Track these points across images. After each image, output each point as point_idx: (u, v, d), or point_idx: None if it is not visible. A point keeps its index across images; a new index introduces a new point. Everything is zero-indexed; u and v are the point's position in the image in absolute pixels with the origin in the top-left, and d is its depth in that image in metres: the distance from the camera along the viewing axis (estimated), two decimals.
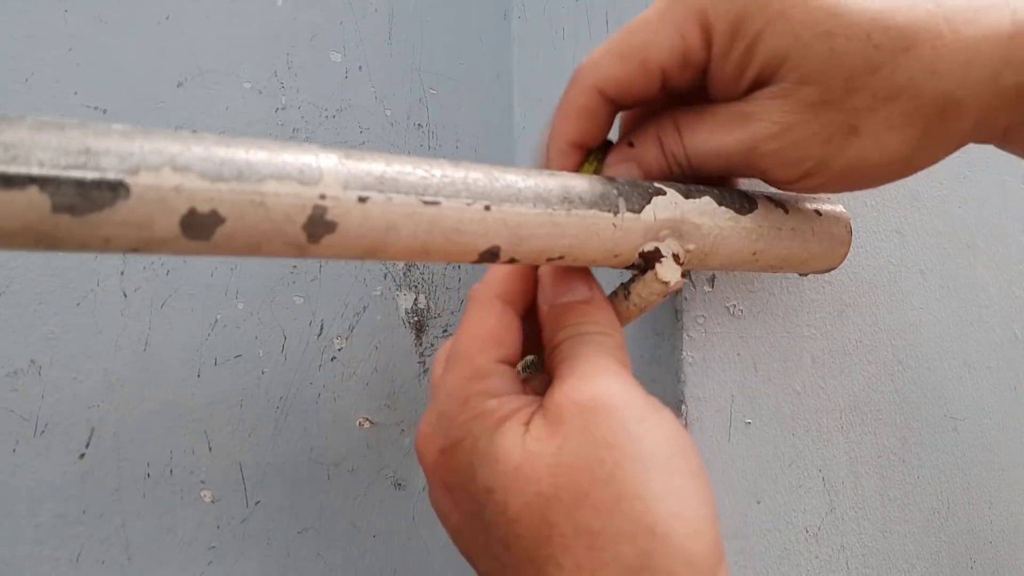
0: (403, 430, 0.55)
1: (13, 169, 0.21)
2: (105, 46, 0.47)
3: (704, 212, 0.35)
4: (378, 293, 0.55)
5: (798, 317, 0.50)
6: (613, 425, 0.28)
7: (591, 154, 0.37)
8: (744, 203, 0.37)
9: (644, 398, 0.29)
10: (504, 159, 0.61)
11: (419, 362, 0.56)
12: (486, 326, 0.33)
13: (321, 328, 0.53)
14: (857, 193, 0.54)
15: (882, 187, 0.56)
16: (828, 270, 0.44)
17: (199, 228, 0.24)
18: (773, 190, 0.43)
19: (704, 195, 0.35)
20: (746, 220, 0.37)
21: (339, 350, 0.53)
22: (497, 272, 0.34)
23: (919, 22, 0.30)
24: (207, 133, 0.25)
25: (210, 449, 0.48)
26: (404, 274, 0.56)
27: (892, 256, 0.56)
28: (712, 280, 0.47)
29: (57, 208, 0.22)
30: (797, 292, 0.50)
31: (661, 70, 0.33)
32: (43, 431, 0.44)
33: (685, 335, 0.45)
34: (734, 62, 0.32)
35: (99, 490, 0.45)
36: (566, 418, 0.28)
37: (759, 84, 0.32)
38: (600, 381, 0.29)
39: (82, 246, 0.23)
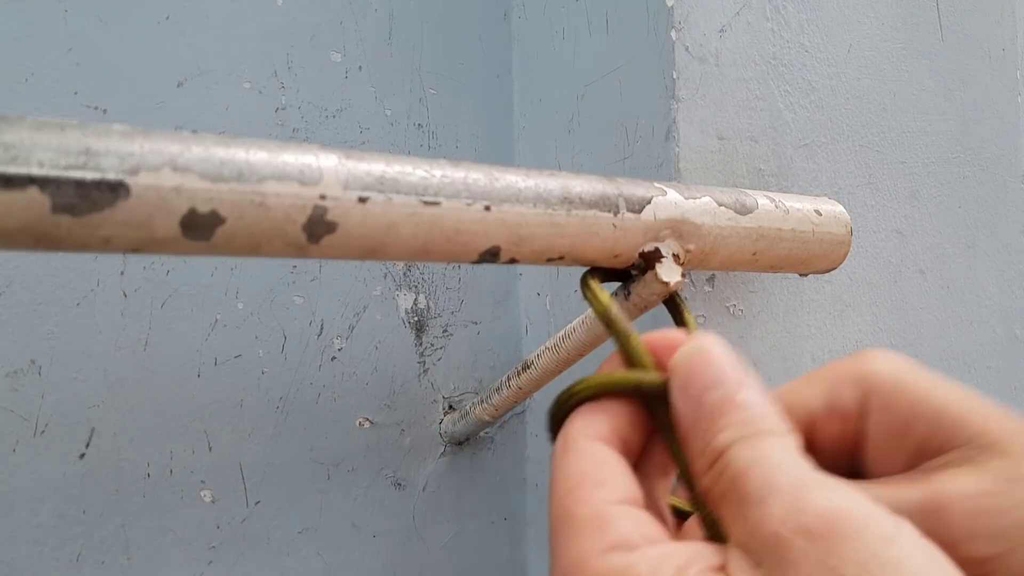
0: (403, 430, 0.55)
1: (13, 169, 0.21)
2: (105, 46, 0.47)
3: (704, 212, 0.35)
4: (378, 293, 0.55)
5: (798, 317, 0.50)
6: (860, 552, 0.20)
7: None
8: (744, 204, 0.37)
9: (881, 510, 0.22)
10: (504, 159, 0.61)
11: (419, 362, 0.56)
12: (574, 472, 0.25)
13: (321, 328, 0.53)
14: (857, 193, 0.54)
15: (882, 187, 0.56)
16: (828, 270, 0.44)
17: (199, 228, 0.24)
18: (773, 191, 0.43)
19: (704, 195, 0.35)
20: (746, 220, 0.36)
21: (339, 350, 0.53)
22: (576, 412, 0.27)
23: None
24: (207, 133, 0.25)
25: (210, 449, 0.48)
26: (404, 274, 0.56)
27: (892, 256, 0.56)
28: (712, 280, 0.47)
29: (57, 208, 0.22)
30: (797, 292, 0.50)
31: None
32: (43, 431, 0.44)
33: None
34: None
35: (99, 490, 0.45)
36: (791, 553, 0.21)
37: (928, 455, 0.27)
38: (824, 494, 0.22)
39: (82, 246, 0.23)
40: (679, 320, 0.34)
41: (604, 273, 0.35)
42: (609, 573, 0.22)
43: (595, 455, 0.26)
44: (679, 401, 0.26)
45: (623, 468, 0.25)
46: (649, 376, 0.27)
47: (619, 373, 0.27)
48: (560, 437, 0.27)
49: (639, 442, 0.27)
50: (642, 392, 0.27)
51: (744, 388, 0.25)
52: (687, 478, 0.26)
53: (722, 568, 0.22)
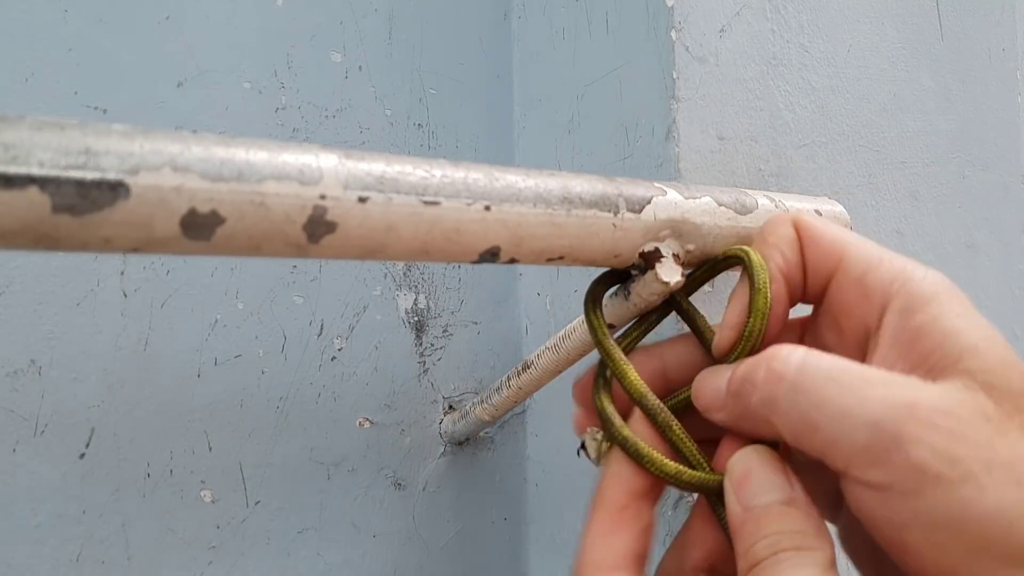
0: (403, 430, 0.55)
1: (13, 169, 0.21)
2: (105, 46, 0.47)
3: (704, 212, 0.35)
4: (378, 293, 0.55)
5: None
6: None
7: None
8: (744, 204, 0.37)
9: None
10: (504, 159, 0.61)
11: (419, 362, 0.56)
12: (587, 544, 0.28)
13: (321, 328, 0.53)
14: (857, 193, 0.54)
15: (882, 187, 0.56)
16: None
17: (199, 228, 0.24)
18: (773, 190, 0.43)
19: (704, 195, 0.35)
20: (746, 220, 0.37)
21: (339, 350, 0.53)
22: (592, 534, 0.29)
23: None
24: (207, 133, 0.25)
25: (210, 449, 0.48)
26: (404, 274, 0.56)
27: None
28: (712, 280, 0.47)
29: (57, 208, 0.22)
30: None
31: None
32: (43, 431, 0.44)
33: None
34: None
35: (99, 490, 0.45)
36: None
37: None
38: None
39: (82, 246, 0.23)
40: (693, 326, 0.34)
41: (608, 279, 0.35)
42: None
43: (604, 532, 0.28)
44: (730, 500, 0.28)
45: (624, 540, 0.28)
46: (712, 478, 0.29)
47: (686, 473, 0.29)
48: (576, 571, 0.28)
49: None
50: (703, 489, 0.29)
51: (790, 501, 0.27)
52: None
53: None
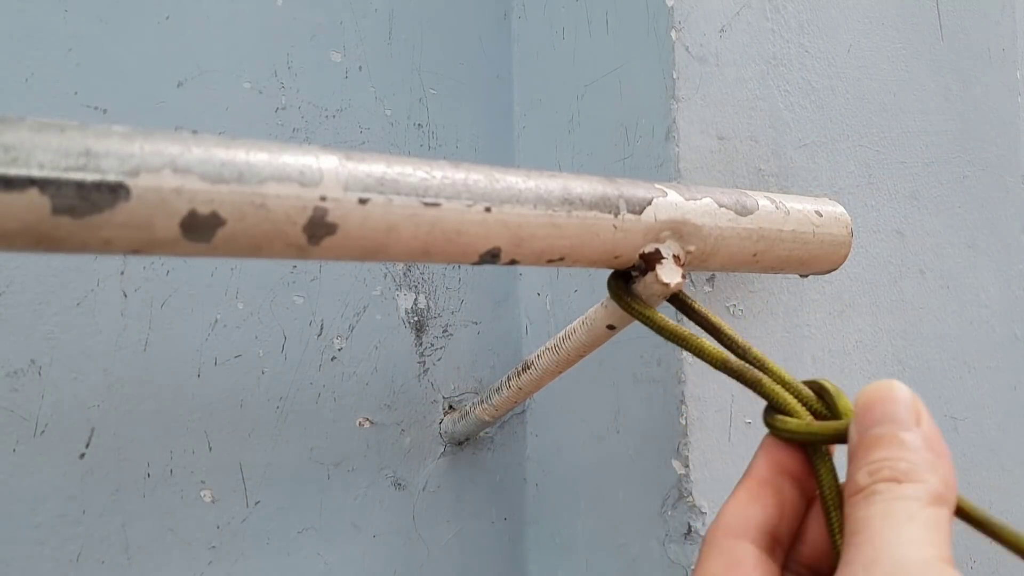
0: (403, 430, 0.55)
1: (13, 171, 0.21)
2: (105, 46, 0.47)
3: (705, 213, 0.35)
4: (378, 293, 0.55)
5: (798, 317, 0.50)
6: None
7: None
8: (744, 205, 0.37)
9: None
10: (504, 159, 0.61)
11: (419, 362, 0.56)
12: (724, 509, 0.28)
13: (321, 328, 0.53)
14: (857, 193, 0.54)
15: (882, 187, 0.56)
16: (829, 271, 0.44)
17: (199, 230, 0.24)
18: (773, 191, 0.43)
19: (705, 196, 0.35)
20: (746, 222, 0.37)
21: (339, 350, 0.53)
22: (730, 503, 0.29)
23: None
24: (207, 134, 0.25)
25: (210, 449, 0.48)
26: (404, 274, 0.56)
27: (892, 256, 0.56)
28: (712, 280, 0.47)
29: (57, 210, 0.22)
30: (797, 292, 0.50)
31: None
32: (43, 431, 0.44)
33: None
34: None
35: (99, 490, 0.45)
36: None
37: None
38: (893, 556, 0.23)
39: (82, 247, 0.23)
40: (705, 326, 0.34)
41: (624, 278, 0.35)
42: None
43: (729, 555, 0.27)
44: (853, 429, 0.27)
45: (754, 566, 0.27)
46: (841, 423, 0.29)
47: (815, 424, 0.29)
48: (707, 534, 0.28)
49: (791, 529, 0.29)
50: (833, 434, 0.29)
51: (910, 431, 0.26)
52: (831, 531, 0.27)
53: None
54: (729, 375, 0.31)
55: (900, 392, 0.27)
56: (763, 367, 0.31)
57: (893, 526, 0.23)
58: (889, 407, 0.26)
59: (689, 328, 0.33)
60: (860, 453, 0.26)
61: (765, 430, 0.31)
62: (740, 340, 0.32)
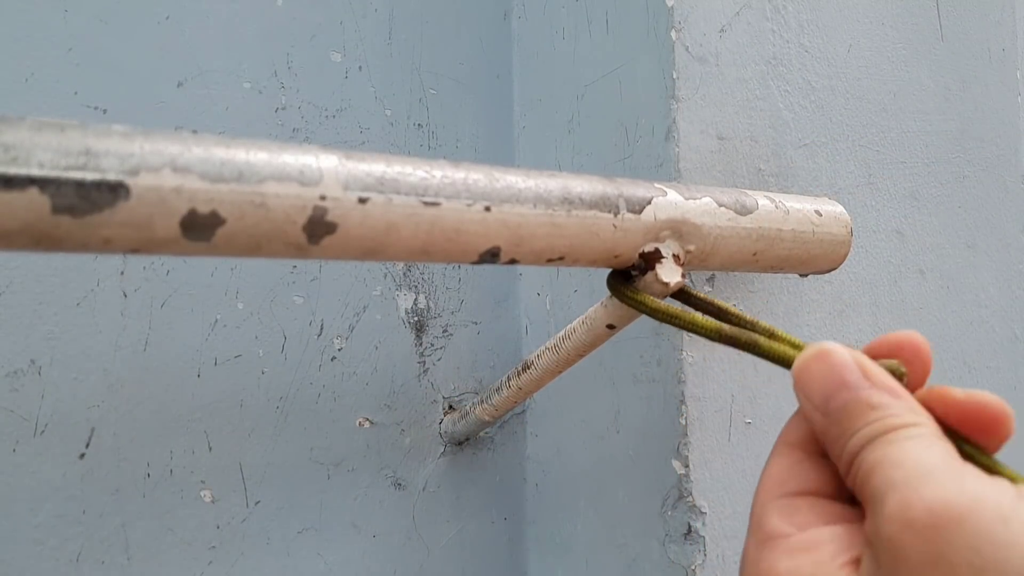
0: (403, 430, 0.55)
1: (13, 170, 0.21)
2: (105, 46, 0.47)
3: (704, 213, 0.35)
4: (378, 293, 0.55)
5: (798, 317, 0.50)
6: (969, 538, 0.20)
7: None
8: (744, 204, 0.37)
9: (1001, 490, 0.22)
10: (504, 159, 0.61)
11: (419, 362, 0.56)
12: (764, 476, 0.27)
13: (321, 328, 0.53)
14: (857, 193, 0.54)
15: (882, 187, 0.56)
16: (829, 271, 0.44)
17: (199, 229, 0.24)
18: (773, 190, 0.43)
19: (704, 196, 0.35)
20: (746, 221, 0.37)
21: (339, 350, 0.53)
22: (794, 418, 0.29)
23: None
24: (207, 134, 0.25)
25: (210, 449, 0.48)
26: (404, 274, 0.56)
27: (892, 256, 0.56)
28: (712, 279, 0.47)
29: (57, 209, 0.22)
30: (797, 292, 0.50)
31: None
32: (43, 431, 0.44)
33: (685, 335, 0.45)
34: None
35: (99, 490, 0.45)
36: (902, 552, 0.21)
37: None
38: (933, 486, 0.21)
39: (82, 247, 0.23)
40: (712, 311, 0.34)
41: (623, 278, 0.35)
42: (759, 566, 0.24)
43: (785, 458, 0.27)
44: (805, 411, 0.27)
45: (805, 466, 0.26)
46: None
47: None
48: (774, 445, 0.28)
49: None
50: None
51: (868, 387, 0.25)
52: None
53: (857, 561, 0.23)
54: (725, 343, 0.31)
55: (838, 356, 0.26)
56: (771, 335, 0.31)
57: (914, 447, 0.23)
58: (844, 370, 0.26)
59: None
60: (834, 432, 0.25)
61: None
62: (747, 317, 0.32)
